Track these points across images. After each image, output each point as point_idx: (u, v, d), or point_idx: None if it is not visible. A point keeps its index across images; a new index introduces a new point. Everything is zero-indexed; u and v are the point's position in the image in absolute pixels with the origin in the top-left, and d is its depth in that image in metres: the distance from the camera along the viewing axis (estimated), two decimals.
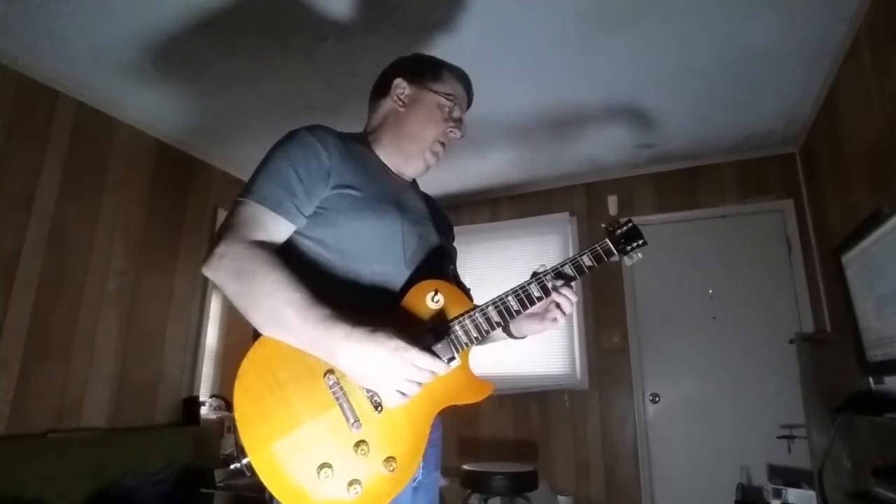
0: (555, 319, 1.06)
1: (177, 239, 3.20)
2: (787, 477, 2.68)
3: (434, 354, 0.87)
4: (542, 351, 3.70)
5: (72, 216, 2.62)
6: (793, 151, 3.31)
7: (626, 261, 1.10)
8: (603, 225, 1.12)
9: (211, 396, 3.37)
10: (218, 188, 3.52)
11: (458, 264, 1.20)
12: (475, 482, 2.84)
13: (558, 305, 1.04)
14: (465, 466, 2.91)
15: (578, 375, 3.57)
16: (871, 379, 1.89)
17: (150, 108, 2.86)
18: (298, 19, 2.15)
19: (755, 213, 3.35)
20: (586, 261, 1.06)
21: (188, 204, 3.30)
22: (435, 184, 3.88)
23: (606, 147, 3.34)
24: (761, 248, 3.29)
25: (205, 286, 3.35)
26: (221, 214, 3.51)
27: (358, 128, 1.22)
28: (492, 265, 3.96)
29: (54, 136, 2.56)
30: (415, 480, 0.96)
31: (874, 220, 1.64)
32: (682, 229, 3.49)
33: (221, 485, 2.72)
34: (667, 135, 3.19)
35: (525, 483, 2.82)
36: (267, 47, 2.33)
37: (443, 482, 3.33)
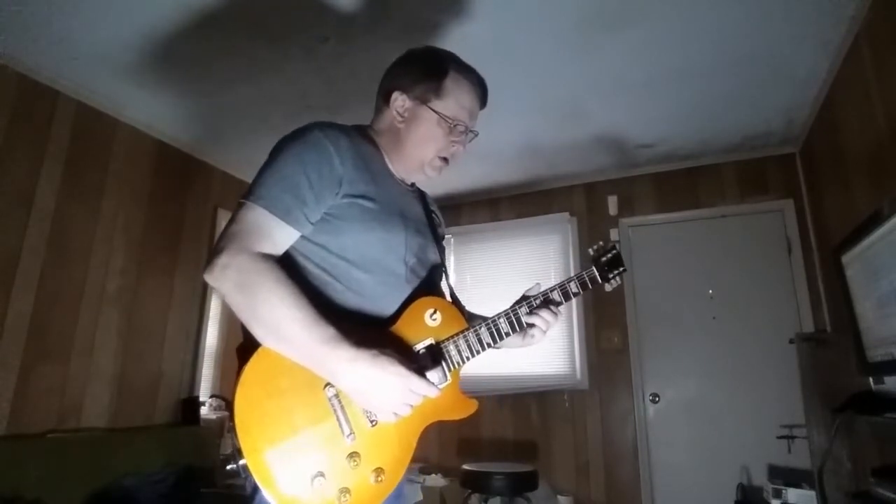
0: (532, 336, 1.11)
1: (177, 239, 3.20)
2: (787, 477, 2.68)
3: (428, 380, 0.90)
4: (542, 351, 3.70)
5: (72, 216, 2.62)
6: (793, 151, 3.31)
7: (607, 286, 1.16)
8: (590, 251, 1.17)
9: (211, 396, 3.36)
10: (218, 188, 3.52)
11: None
12: (475, 482, 2.83)
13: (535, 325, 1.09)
14: (465, 466, 2.91)
15: (578, 375, 3.57)
16: (871, 379, 1.88)
17: (150, 109, 2.86)
18: (298, 19, 2.16)
19: (755, 213, 3.35)
20: (573, 287, 1.12)
21: (188, 204, 3.30)
22: (435, 184, 3.85)
23: (606, 147, 3.34)
24: (761, 248, 3.29)
25: (205, 286, 3.34)
26: (221, 214, 3.50)
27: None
28: (492, 265, 3.95)
29: (54, 136, 2.56)
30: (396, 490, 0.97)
31: (874, 220, 1.64)
32: (682, 229, 3.49)
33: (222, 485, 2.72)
34: (667, 135, 3.19)
35: (525, 483, 2.82)
36: (267, 47, 2.34)
37: (442, 482, 3.33)
